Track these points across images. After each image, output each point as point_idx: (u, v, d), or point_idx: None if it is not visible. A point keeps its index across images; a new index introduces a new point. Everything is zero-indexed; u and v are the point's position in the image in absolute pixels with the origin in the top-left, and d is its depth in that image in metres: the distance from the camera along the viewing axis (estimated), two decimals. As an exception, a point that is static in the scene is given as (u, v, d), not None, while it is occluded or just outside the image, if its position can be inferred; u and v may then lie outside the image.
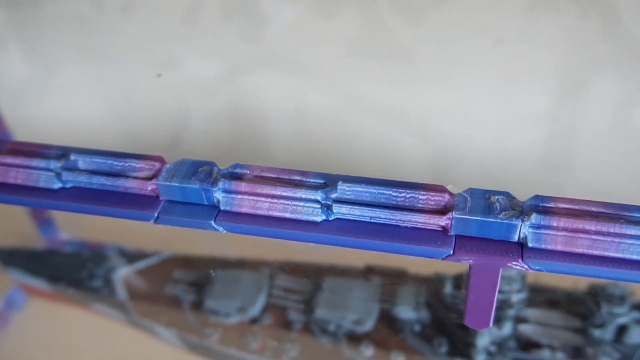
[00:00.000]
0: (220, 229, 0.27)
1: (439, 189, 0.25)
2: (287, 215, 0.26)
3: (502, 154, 0.62)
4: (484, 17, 0.57)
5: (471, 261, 0.25)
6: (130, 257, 0.57)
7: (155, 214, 0.28)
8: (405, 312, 0.48)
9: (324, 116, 0.65)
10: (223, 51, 0.62)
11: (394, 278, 0.50)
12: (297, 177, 0.27)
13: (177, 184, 0.27)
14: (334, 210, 0.26)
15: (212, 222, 0.27)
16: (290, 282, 0.53)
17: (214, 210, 0.27)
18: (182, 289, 0.54)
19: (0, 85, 0.65)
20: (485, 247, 0.25)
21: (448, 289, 0.46)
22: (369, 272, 0.51)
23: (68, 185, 0.29)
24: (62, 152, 0.29)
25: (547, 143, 0.62)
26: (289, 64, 0.62)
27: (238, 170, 0.27)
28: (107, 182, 0.28)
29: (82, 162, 0.29)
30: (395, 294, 0.49)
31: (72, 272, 0.57)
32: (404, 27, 0.59)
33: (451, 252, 0.25)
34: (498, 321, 0.45)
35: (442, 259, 0.25)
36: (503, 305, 0.44)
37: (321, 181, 0.27)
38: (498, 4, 0.56)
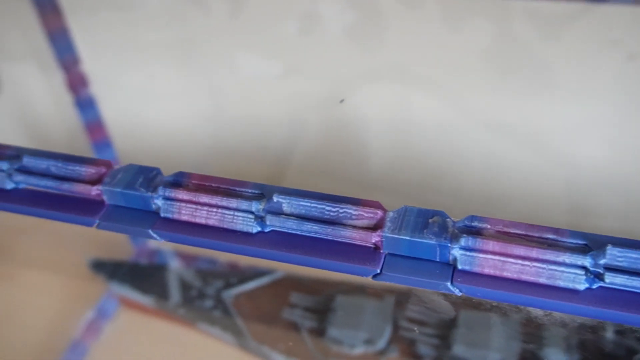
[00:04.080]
0: (457, 291, 0.23)
1: None
2: (541, 280, 0.23)
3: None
4: (620, 32, 0.53)
5: None
6: (241, 276, 0.54)
7: (378, 270, 0.24)
8: (555, 355, 0.44)
9: (443, 132, 0.61)
10: (341, 62, 0.59)
11: (539, 317, 0.46)
12: (551, 236, 0.23)
13: (407, 238, 0.24)
14: (606, 280, 0.22)
15: (449, 284, 0.23)
16: (418, 314, 0.49)
17: (447, 269, 0.24)
18: (300, 315, 0.51)
19: (103, 92, 0.63)
20: None
21: (610, 334, 0.42)
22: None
23: (267, 230, 0.26)
24: (261, 191, 0.26)
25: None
26: (410, 76, 0.58)
27: (476, 224, 0.24)
28: (320, 230, 0.25)
29: (288, 205, 0.25)
30: (542, 333, 0.45)
31: (180, 289, 0.54)
32: (537, 40, 0.54)
33: None
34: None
35: None
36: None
37: (581, 242, 0.23)
38: (635, 18, 0.52)
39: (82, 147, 0.68)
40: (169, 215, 0.27)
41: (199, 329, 0.55)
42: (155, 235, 0.27)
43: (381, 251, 0.25)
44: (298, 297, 0.52)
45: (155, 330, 0.61)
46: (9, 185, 0.29)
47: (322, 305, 0.51)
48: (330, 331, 0.49)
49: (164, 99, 0.68)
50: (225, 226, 0.26)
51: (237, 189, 0.27)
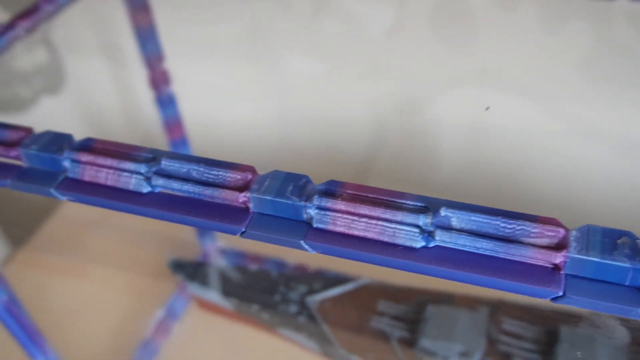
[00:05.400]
0: (648, 318, 0.22)
1: None
2: None
3: None
4: None
5: None
6: (325, 282, 0.53)
7: (560, 292, 0.23)
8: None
9: (530, 137, 0.59)
10: (428, 65, 0.57)
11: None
12: None
13: (596, 259, 0.22)
14: None
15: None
16: (513, 326, 0.48)
17: (638, 294, 0.22)
18: (388, 323, 0.49)
19: (181, 91, 0.62)
20: None
21: None
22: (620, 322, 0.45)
23: (431, 245, 0.24)
24: (424, 204, 0.25)
25: None
26: (500, 81, 0.57)
27: (671, 247, 0.22)
28: (495, 247, 0.23)
29: (457, 220, 0.24)
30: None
31: (262, 293, 0.53)
32: (638, 44, 0.52)
33: None
34: None
35: None
36: None
37: None
38: None
39: (156, 144, 0.67)
40: (322, 226, 0.26)
41: (280, 334, 0.54)
42: (307, 247, 0.26)
43: (561, 272, 0.23)
44: (386, 304, 0.51)
45: (233, 333, 0.60)
46: (145, 189, 0.28)
47: (411, 315, 0.50)
48: (422, 342, 0.47)
49: (238, 97, 0.67)
50: (385, 239, 0.25)
51: (397, 200, 0.25)
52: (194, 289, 0.55)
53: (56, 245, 0.73)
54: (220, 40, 0.65)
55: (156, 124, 0.72)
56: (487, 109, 0.52)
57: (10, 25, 0.41)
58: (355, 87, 0.61)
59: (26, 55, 0.81)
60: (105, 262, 0.70)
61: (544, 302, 0.48)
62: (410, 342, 0.48)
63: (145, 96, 0.77)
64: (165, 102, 0.58)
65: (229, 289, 0.54)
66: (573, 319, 0.46)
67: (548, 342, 0.46)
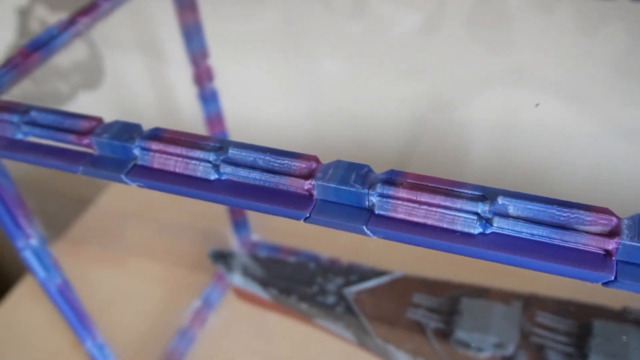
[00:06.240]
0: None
1: None
2: None
3: None
4: None
5: None
6: (360, 274, 0.55)
7: (612, 277, 0.24)
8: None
9: (563, 138, 0.60)
10: (466, 64, 0.59)
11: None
12: None
13: (647, 246, 0.24)
14: None
15: (691, 294, 0.23)
16: (546, 319, 0.49)
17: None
18: (424, 315, 0.51)
19: (224, 88, 0.64)
20: None
21: None
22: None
23: (488, 231, 0.26)
24: (482, 193, 0.26)
25: None
26: (534, 81, 0.58)
27: None
28: (552, 234, 0.25)
29: (514, 208, 0.25)
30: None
31: (301, 285, 0.55)
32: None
33: None
34: None
35: None
36: None
37: None
38: None
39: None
40: (384, 213, 0.27)
41: (317, 324, 0.56)
42: (369, 232, 0.27)
43: (613, 258, 0.24)
44: (421, 297, 0.52)
45: (267, 323, 0.62)
46: (213, 177, 0.30)
47: (447, 307, 0.51)
48: (457, 333, 0.49)
49: (273, 94, 0.69)
50: (444, 226, 0.26)
51: (456, 189, 0.27)
52: (234, 279, 0.57)
53: (94, 237, 0.75)
54: (257, 37, 0.67)
55: (193, 120, 0.74)
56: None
57: (71, 22, 0.44)
58: (391, 86, 0.63)
59: (65, 51, 0.84)
60: (141, 253, 0.72)
61: (576, 296, 0.49)
62: (445, 334, 0.50)
63: (182, 93, 0.79)
64: (208, 98, 0.60)
65: (268, 280, 0.55)
66: (606, 312, 0.47)
67: (581, 335, 0.47)
